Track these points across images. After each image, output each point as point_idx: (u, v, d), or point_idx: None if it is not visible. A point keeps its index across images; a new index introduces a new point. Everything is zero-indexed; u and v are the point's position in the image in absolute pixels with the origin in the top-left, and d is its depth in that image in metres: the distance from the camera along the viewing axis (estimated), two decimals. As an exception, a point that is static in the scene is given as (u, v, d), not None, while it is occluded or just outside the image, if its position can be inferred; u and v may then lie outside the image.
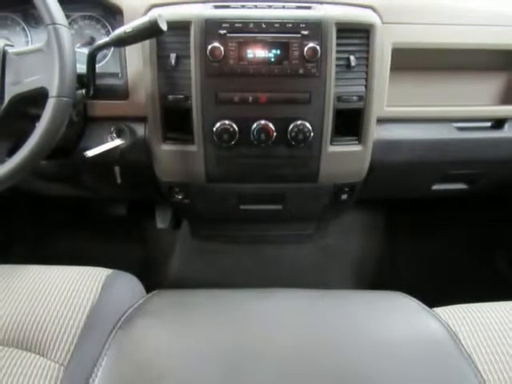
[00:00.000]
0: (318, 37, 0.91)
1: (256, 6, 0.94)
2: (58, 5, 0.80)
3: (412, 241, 1.64)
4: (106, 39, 0.87)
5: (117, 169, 1.06)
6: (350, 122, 1.00)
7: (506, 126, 1.08)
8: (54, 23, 0.78)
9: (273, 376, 0.62)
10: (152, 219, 1.51)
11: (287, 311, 0.75)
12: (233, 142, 0.97)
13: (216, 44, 0.89)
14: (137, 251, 1.63)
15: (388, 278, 1.55)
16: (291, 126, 0.96)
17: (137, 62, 0.96)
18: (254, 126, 0.96)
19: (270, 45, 0.91)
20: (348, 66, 0.94)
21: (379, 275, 1.58)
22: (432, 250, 1.61)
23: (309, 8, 0.94)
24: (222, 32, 0.90)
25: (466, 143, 1.08)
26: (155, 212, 1.50)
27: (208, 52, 0.90)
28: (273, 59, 0.92)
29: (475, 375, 0.63)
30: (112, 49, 1.01)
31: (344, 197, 1.16)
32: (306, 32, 0.90)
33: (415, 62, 1.03)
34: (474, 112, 1.07)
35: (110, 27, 1.02)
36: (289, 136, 0.96)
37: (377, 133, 1.03)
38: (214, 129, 0.95)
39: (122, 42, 0.86)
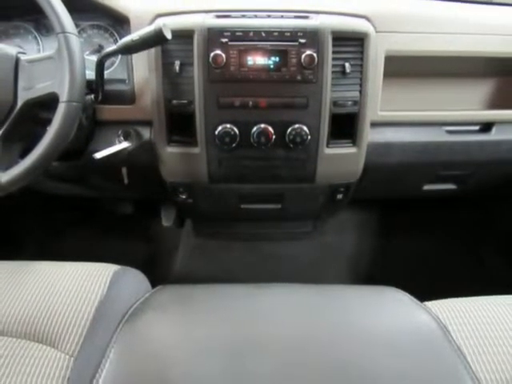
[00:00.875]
0: (314, 45, 0.93)
1: (256, 16, 0.96)
2: (67, 14, 0.82)
3: (405, 238, 1.65)
4: (113, 47, 0.89)
5: (124, 170, 1.08)
6: (346, 126, 1.02)
7: (494, 129, 1.10)
8: (64, 32, 0.80)
9: (273, 367, 0.64)
10: (157, 218, 1.51)
11: (286, 305, 0.77)
12: (234, 145, 0.99)
13: (218, 52, 0.92)
14: (143, 248, 1.64)
15: (382, 273, 1.56)
16: (289, 130, 0.98)
17: (143, 69, 0.98)
18: (254, 129, 0.98)
19: (270, 52, 0.93)
20: (343, 72, 0.96)
21: (373, 271, 1.59)
22: (424, 247, 1.62)
23: (306, 17, 0.96)
24: (224, 40, 0.92)
25: (456, 146, 1.10)
26: (160, 211, 1.50)
27: (210, 59, 0.92)
28: (272, 66, 0.94)
29: (464, 366, 0.64)
30: (119, 56, 1.03)
31: (340, 196, 1.18)
32: (303, 40, 0.93)
33: (407, 68, 1.05)
34: (463, 116, 1.09)
35: (117, 36, 1.04)
36: (287, 139, 0.99)
37: (371, 136, 1.05)
38: (216, 132, 0.98)
39: (129, 49, 0.88)
